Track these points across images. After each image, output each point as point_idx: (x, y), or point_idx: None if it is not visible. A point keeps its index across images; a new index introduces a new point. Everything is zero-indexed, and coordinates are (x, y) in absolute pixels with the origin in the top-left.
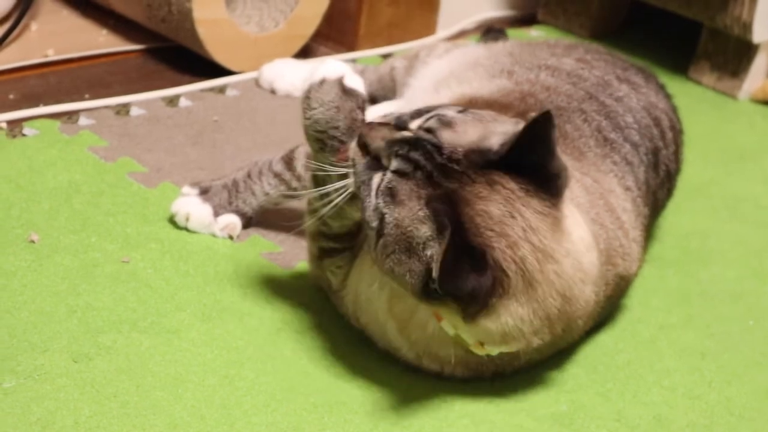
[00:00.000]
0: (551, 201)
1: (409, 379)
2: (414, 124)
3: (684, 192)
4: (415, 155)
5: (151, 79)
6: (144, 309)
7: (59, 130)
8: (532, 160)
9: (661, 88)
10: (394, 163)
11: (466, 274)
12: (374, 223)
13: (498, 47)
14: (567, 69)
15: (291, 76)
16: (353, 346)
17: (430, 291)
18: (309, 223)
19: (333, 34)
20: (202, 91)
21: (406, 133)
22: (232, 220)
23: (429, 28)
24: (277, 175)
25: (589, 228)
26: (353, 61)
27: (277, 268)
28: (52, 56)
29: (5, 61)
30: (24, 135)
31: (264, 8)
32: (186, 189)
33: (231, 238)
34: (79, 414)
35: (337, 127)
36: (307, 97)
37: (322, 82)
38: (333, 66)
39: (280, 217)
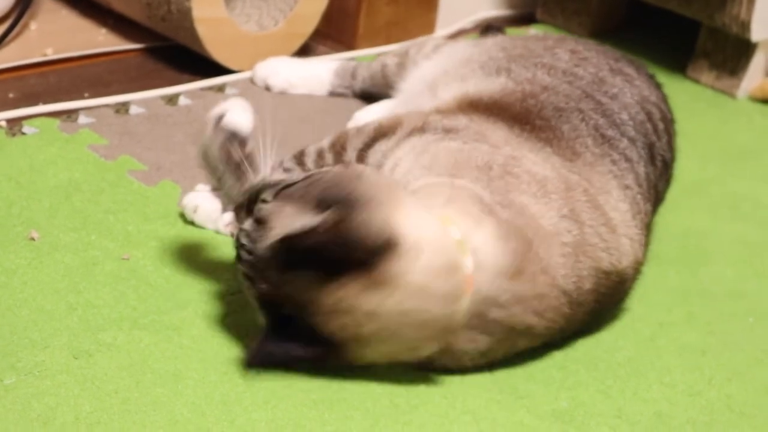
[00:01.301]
0: (362, 266)
1: (409, 375)
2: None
3: (683, 190)
4: (242, 255)
5: (151, 78)
6: (144, 306)
7: (59, 128)
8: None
9: (651, 77)
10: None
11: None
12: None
13: (488, 43)
14: (562, 67)
15: (285, 73)
16: None
17: None
18: None
19: (332, 32)
20: (202, 89)
21: (240, 235)
22: None
23: (428, 27)
24: (287, 171)
25: (452, 244)
26: (352, 59)
27: None
28: (52, 55)
29: (5, 60)
30: (23, 133)
31: (263, 7)
32: (200, 186)
33: (233, 235)
34: (79, 410)
35: (215, 167)
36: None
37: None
38: (227, 103)
39: None
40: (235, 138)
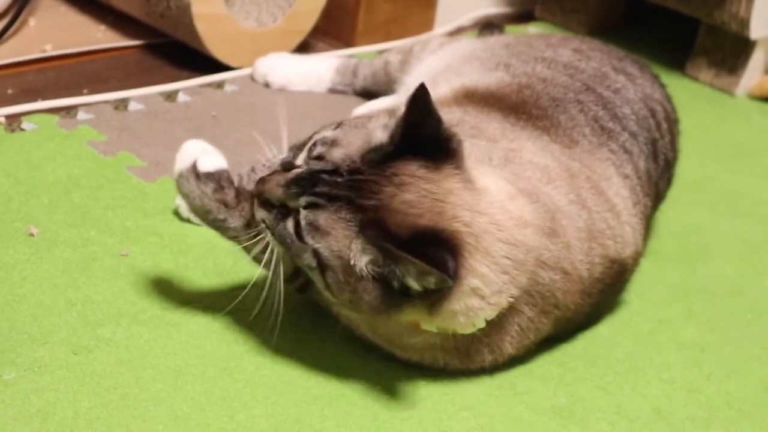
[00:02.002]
0: (454, 164)
1: (408, 371)
2: (300, 159)
3: (682, 187)
4: (319, 188)
5: (150, 74)
6: (143, 302)
7: (58, 124)
8: (423, 135)
9: (655, 78)
10: (302, 200)
11: (440, 256)
12: (313, 263)
13: (493, 40)
14: (564, 61)
15: (285, 69)
16: (353, 339)
17: (390, 303)
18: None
19: (331, 29)
20: (201, 86)
21: (297, 171)
22: None
23: (427, 25)
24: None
25: (506, 185)
26: (351, 56)
27: None
28: (51, 51)
29: (4, 56)
30: (22, 129)
31: (262, 4)
32: None
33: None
34: (78, 406)
35: (209, 211)
36: (177, 188)
37: (180, 176)
38: (186, 152)
39: None
40: (221, 178)
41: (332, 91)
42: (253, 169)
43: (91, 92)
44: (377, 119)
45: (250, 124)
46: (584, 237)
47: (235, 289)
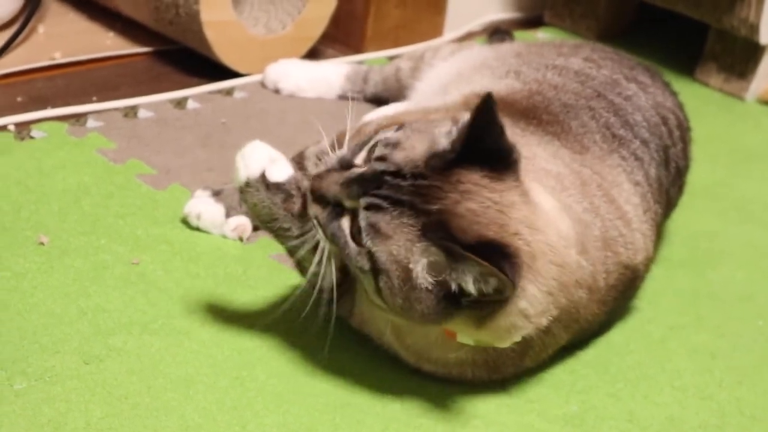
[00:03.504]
0: (514, 177)
1: (420, 379)
2: (359, 158)
3: (692, 193)
4: (382, 191)
5: (159, 82)
6: (154, 311)
7: (67, 132)
8: (485, 144)
9: (667, 85)
10: (363, 201)
11: (503, 264)
12: (366, 266)
13: (505, 48)
14: (575, 68)
15: (296, 75)
16: (364, 347)
17: (441, 311)
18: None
19: (340, 36)
20: (210, 93)
21: (358, 170)
22: (243, 222)
23: (436, 30)
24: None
25: (553, 200)
26: (361, 62)
27: (286, 269)
28: (60, 59)
29: (13, 64)
30: (32, 137)
31: (271, 10)
32: (198, 192)
33: (241, 239)
34: (90, 415)
35: (276, 219)
36: (240, 195)
37: (247, 184)
38: (252, 159)
39: None
40: (291, 188)
41: (342, 97)
42: (319, 158)
43: (101, 100)
44: (442, 124)
45: (260, 131)
46: (600, 246)
47: (246, 298)
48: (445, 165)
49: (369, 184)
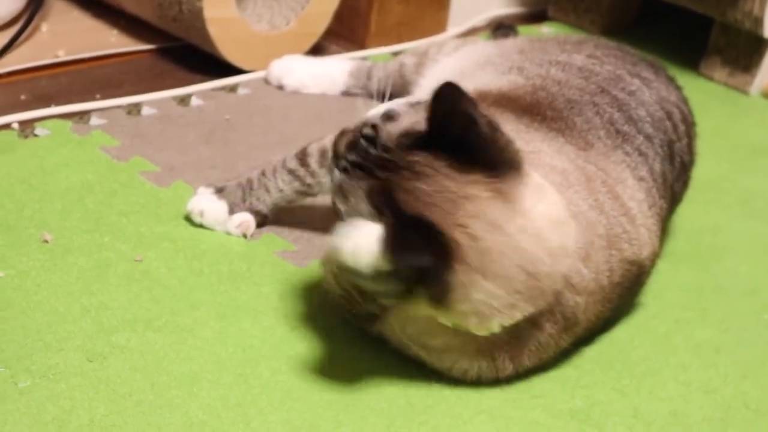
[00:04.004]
0: (492, 173)
1: (424, 375)
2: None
3: (696, 187)
4: (353, 154)
5: (163, 79)
6: (158, 308)
7: (71, 130)
8: (452, 134)
9: (671, 80)
10: (341, 163)
11: (415, 245)
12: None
13: (508, 44)
14: (578, 64)
15: (299, 72)
16: (368, 343)
17: (392, 283)
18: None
19: (344, 32)
20: (214, 90)
21: (350, 133)
22: (247, 218)
23: (440, 26)
24: (291, 172)
25: (564, 206)
26: (364, 58)
27: (290, 266)
28: (63, 57)
29: (16, 62)
30: (36, 135)
31: (275, 6)
32: (201, 189)
33: (245, 236)
34: (94, 413)
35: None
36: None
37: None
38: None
39: (294, 216)
40: None
41: (346, 93)
42: (284, 162)
43: (104, 97)
44: None
45: (263, 127)
46: (604, 245)
47: (250, 295)
48: (411, 144)
49: (352, 147)
